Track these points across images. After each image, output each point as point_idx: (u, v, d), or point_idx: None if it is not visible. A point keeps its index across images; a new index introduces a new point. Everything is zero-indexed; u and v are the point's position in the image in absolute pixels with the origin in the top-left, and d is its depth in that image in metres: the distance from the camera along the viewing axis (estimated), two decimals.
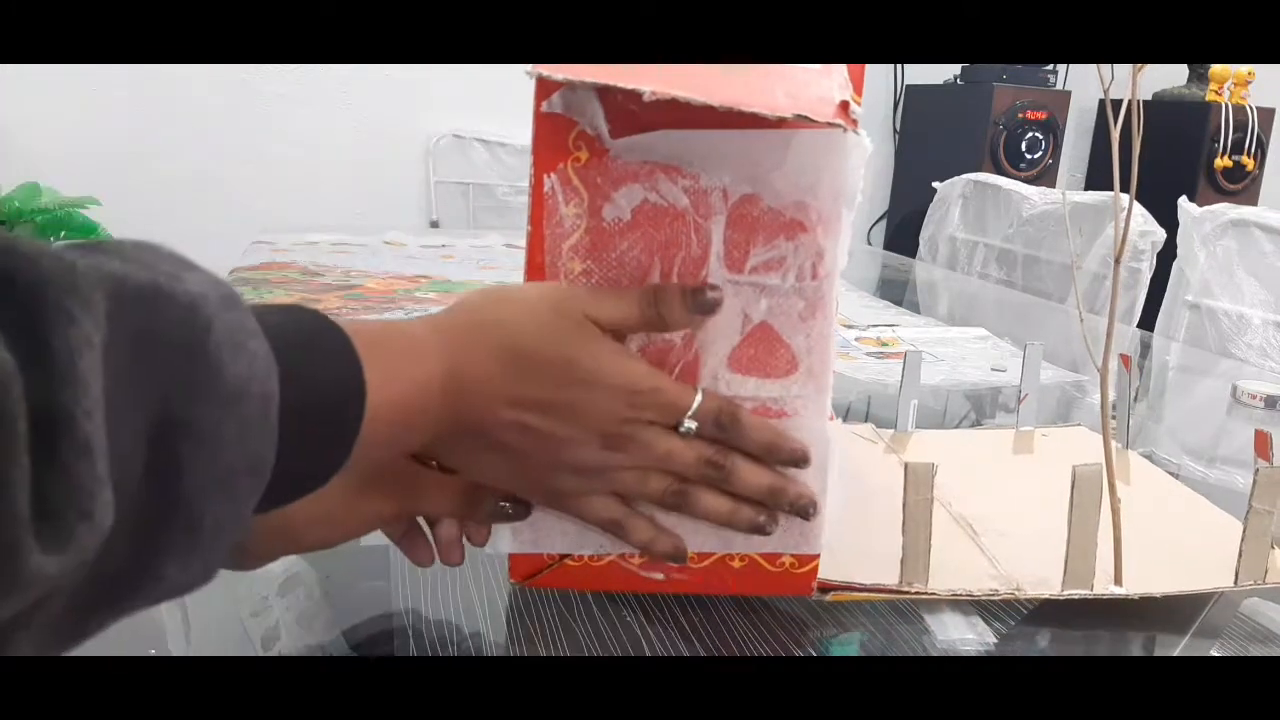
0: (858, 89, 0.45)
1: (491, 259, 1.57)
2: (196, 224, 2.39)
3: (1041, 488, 0.68)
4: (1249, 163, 2.77)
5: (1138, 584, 0.53)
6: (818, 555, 0.50)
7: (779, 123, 0.43)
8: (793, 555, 0.50)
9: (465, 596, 0.51)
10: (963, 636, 0.50)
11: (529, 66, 0.42)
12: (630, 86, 0.41)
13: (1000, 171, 2.53)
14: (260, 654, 0.45)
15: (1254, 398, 0.94)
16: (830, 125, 0.42)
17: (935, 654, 0.49)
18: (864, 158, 0.45)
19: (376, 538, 0.58)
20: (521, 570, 0.50)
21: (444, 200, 2.55)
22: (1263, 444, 0.57)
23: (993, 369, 1.05)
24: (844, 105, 0.43)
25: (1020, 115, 2.69)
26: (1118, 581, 0.53)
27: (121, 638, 0.48)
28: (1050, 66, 2.84)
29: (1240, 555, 0.53)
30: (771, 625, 0.50)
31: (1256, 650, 0.51)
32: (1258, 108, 2.77)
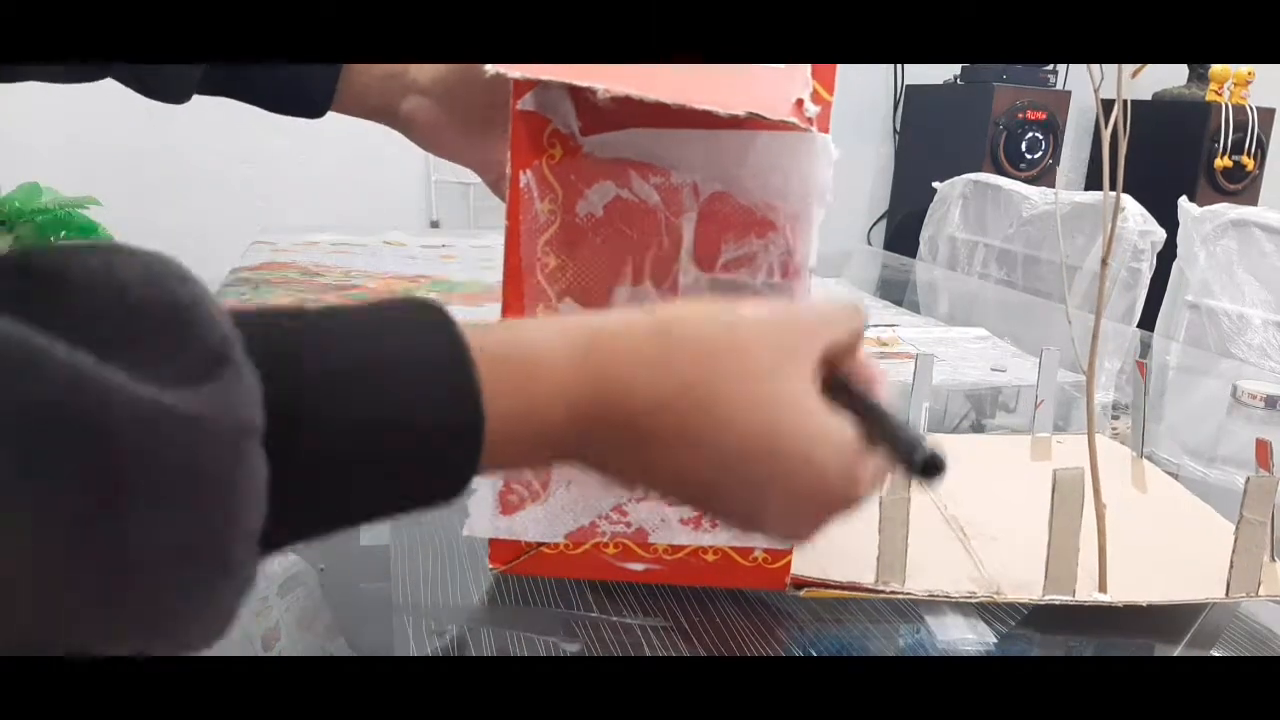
0: (829, 88, 0.45)
1: (492, 259, 1.56)
2: (196, 224, 2.39)
3: (1044, 494, 0.68)
4: (1249, 163, 2.76)
5: (1128, 592, 0.52)
6: (789, 551, 0.51)
7: (739, 121, 0.44)
8: (764, 550, 0.51)
9: (465, 597, 0.51)
10: (963, 636, 0.50)
11: (489, 66, 0.42)
12: (585, 84, 0.41)
13: (1000, 171, 2.53)
14: (260, 654, 0.45)
15: (1254, 398, 0.94)
16: (784, 124, 0.43)
17: (935, 654, 0.49)
18: (830, 158, 0.46)
19: (376, 538, 0.58)
20: (500, 557, 0.52)
21: (444, 200, 2.55)
22: (1263, 452, 0.55)
23: (993, 369, 1.05)
24: (799, 103, 0.43)
25: (1020, 115, 2.69)
26: (1102, 588, 0.52)
27: None
28: (1050, 66, 2.83)
29: (1232, 566, 0.52)
30: (771, 625, 0.50)
31: (1256, 650, 0.51)
32: (1258, 108, 2.77)
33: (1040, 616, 0.53)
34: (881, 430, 0.34)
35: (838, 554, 0.53)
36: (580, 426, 0.31)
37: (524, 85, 0.45)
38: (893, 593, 0.51)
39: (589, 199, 0.46)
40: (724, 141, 0.46)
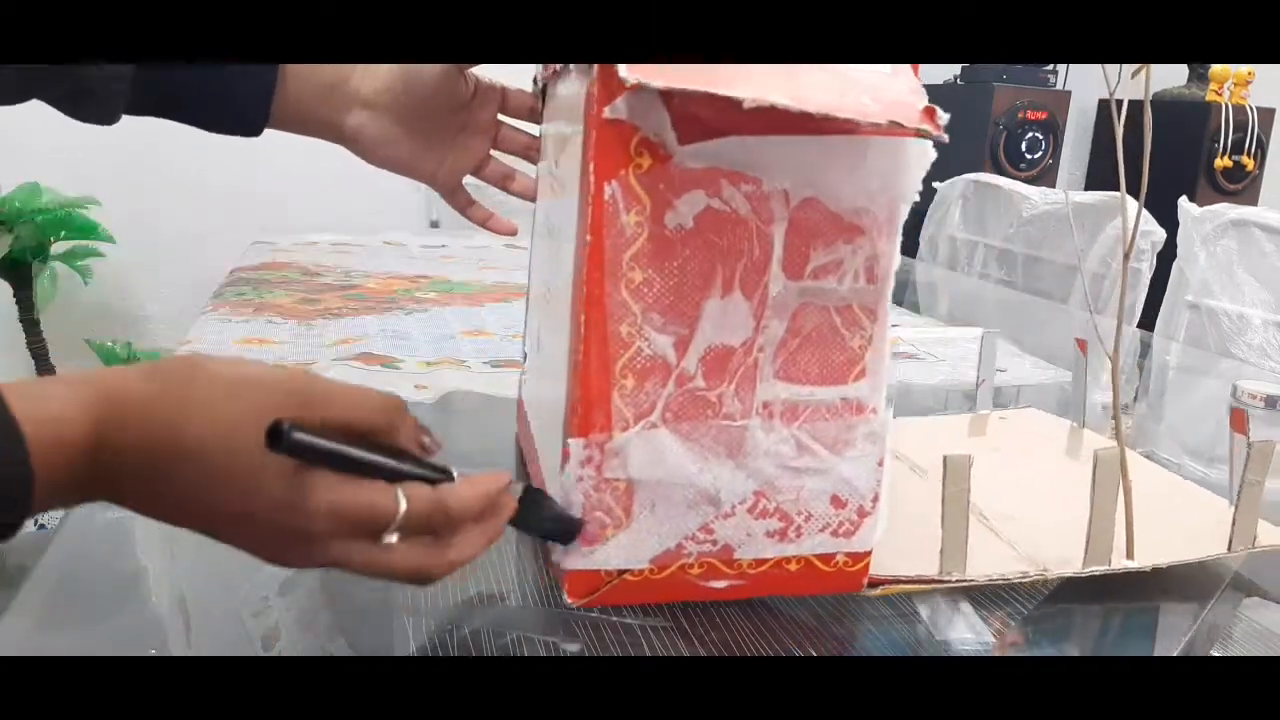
0: None
1: (491, 259, 1.56)
2: (196, 224, 2.39)
3: (1027, 470, 0.70)
4: (1249, 163, 2.76)
5: (1139, 555, 0.55)
6: (869, 552, 0.51)
7: (858, 128, 0.43)
8: (846, 554, 0.51)
9: (465, 596, 0.51)
10: (961, 636, 0.50)
11: (624, 68, 0.40)
12: (727, 94, 0.40)
13: (1000, 171, 2.53)
14: (260, 654, 0.45)
15: (1254, 398, 0.94)
16: (920, 133, 0.42)
17: (935, 654, 0.49)
18: (928, 163, 0.46)
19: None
20: (579, 590, 0.49)
21: (444, 200, 2.55)
22: (1240, 420, 0.59)
23: None
24: (930, 112, 0.43)
25: (1020, 115, 2.69)
26: (1129, 556, 0.54)
27: (122, 638, 0.48)
28: (1050, 66, 2.83)
29: (1234, 524, 0.56)
30: (772, 626, 0.50)
31: (1256, 650, 0.51)
32: (1258, 108, 2.77)
33: (1064, 592, 0.55)
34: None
35: (898, 552, 0.53)
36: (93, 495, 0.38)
37: (611, 90, 0.43)
38: (958, 581, 0.52)
39: (678, 210, 0.44)
40: (837, 148, 0.45)
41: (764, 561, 0.50)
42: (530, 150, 0.70)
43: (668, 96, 0.43)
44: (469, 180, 0.70)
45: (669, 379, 0.46)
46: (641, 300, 0.45)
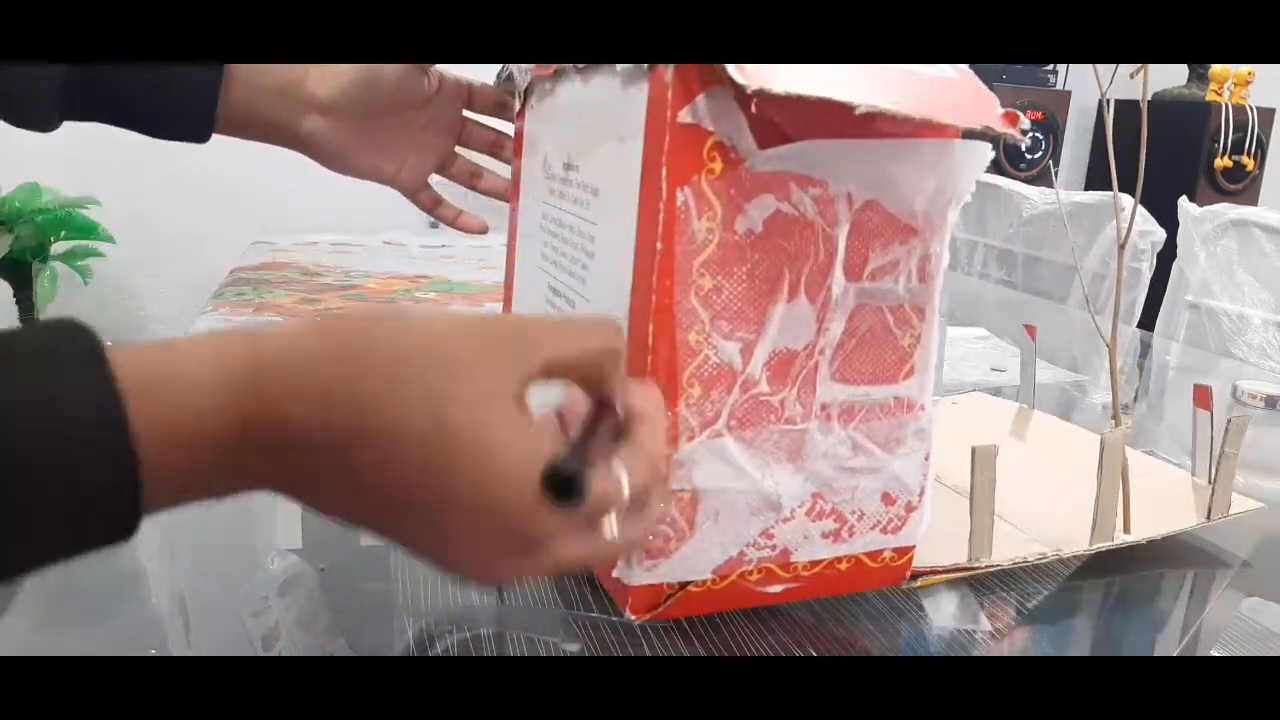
0: None
1: (491, 259, 1.56)
2: (196, 224, 2.39)
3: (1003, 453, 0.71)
4: (1249, 163, 2.77)
5: (1136, 532, 0.57)
6: (914, 546, 0.52)
7: (955, 133, 0.44)
8: (893, 549, 0.51)
9: (465, 597, 0.51)
10: (960, 627, 0.51)
11: (732, 67, 0.39)
12: (843, 99, 0.39)
13: (1000, 172, 2.53)
14: (260, 654, 0.45)
15: (1254, 398, 0.94)
16: (1006, 138, 0.44)
17: (936, 651, 0.49)
18: (984, 163, 0.47)
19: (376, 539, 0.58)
20: (642, 605, 0.48)
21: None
22: (1204, 396, 0.62)
23: (992, 369, 1.05)
24: (1012, 117, 0.44)
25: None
26: (1126, 530, 0.57)
27: (122, 638, 0.48)
28: (1050, 66, 2.84)
29: (1213, 495, 0.59)
30: (771, 625, 0.50)
31: (1256, 650, 0.51)
32: (1258, 108, 2.77)
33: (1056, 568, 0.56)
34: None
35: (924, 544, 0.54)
36: (236, 464, 0.30)
37: (686, 95, 0.42)
38: (987, 567, 0.53)
39: (749, 215, 0.44)
40: (902, 150, 0.45)
41: (818, 563, 0.50)
42: (498, 147, 0.68)
43: (745, 100, 0.41)
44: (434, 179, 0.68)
45: (734, 385, 0.46)
46: (710, 307, 0.44)
